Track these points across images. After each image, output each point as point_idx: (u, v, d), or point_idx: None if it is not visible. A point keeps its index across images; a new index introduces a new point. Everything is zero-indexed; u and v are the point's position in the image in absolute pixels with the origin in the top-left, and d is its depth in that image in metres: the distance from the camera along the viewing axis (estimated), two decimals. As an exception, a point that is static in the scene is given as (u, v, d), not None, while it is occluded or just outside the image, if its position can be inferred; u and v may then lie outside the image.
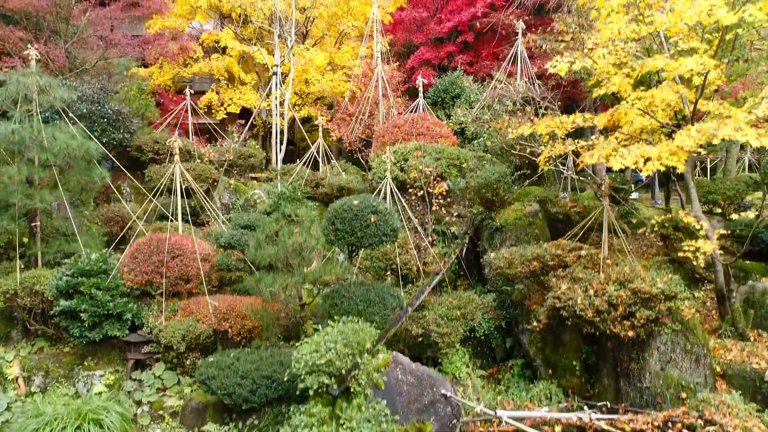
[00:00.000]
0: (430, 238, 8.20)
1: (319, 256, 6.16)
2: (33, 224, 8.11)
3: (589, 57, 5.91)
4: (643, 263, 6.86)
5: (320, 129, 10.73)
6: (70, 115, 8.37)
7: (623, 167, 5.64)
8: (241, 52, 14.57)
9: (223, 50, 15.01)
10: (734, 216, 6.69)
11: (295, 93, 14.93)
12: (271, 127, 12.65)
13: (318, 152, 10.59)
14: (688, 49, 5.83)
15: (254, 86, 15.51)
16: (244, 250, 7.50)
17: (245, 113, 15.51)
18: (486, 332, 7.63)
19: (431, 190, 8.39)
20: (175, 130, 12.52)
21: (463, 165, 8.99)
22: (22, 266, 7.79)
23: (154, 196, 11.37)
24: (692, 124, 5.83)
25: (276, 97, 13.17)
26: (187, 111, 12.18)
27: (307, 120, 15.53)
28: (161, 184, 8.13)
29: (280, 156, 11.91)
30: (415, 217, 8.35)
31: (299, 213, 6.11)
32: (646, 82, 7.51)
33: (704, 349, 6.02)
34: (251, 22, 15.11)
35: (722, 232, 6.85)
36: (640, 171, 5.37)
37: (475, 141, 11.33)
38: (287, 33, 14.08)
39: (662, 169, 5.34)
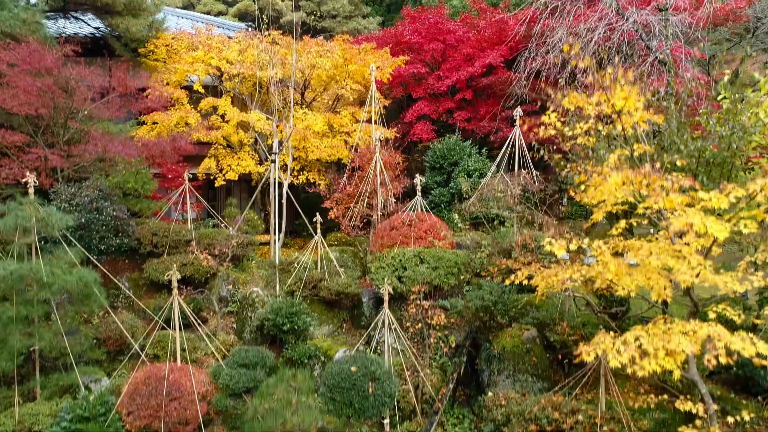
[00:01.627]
0: (427, 370, 8.24)
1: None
2: (31, 348, 8.12)
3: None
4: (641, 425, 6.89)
5: (318, 227, 10.71)
6: (70, 238, 8.37)
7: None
8: (240, 121, 14.53)
9: (222, 116, 14.98)
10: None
11: (294, 158, 14.91)
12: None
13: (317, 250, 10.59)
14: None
15: (252, 155, 15.46)
16: (243, 394, 7.54)
17: (242, 176, 15.52)
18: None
19: (430, 321, 8.44)
20: (173, 201, 12.53)
21: (462, 277, 9.05)
22: (20, 401, 7.80)
23: (154, 291, 11.38)
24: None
25: (275, 162, 13.13)
26: (187, 179, 12.18)
27: (307, 185, 15.52)
28: (161, 313, 8.14)
29: (280, 240, 11.90)
30: (414, 345, 8.40)
31: (298, 380, 6.09)
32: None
33: None
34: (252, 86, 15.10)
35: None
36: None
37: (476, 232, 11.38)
38: (287, 101, 14.06)
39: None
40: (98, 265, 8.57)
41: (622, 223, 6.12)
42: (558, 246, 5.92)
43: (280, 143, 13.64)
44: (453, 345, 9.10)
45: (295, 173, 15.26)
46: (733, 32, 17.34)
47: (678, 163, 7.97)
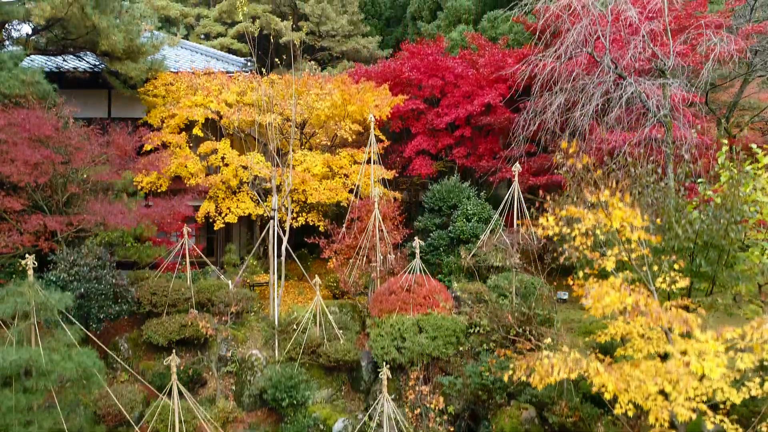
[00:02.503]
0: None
1: None
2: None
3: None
4: None
5: (317, 288, 10.72)
6: (68, 316, 8.38)
7: None
8: (240, 164, 14.52)
9: (222, 158, 14.97)
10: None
11: (293, 201, 14.92)
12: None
13: (316, 315, 10.58)
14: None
15: (251, 194, 15.47)
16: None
17: (242, 218, 15.55)
18: None
19: (429, 405, 8.46)
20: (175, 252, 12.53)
21: (461, 347, 9.07)
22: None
23: (154, 351, 11.38)
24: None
25: (275, 209, 13.13)
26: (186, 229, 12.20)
27: (305, 228, 15.53)
28: (164, 391, 8.16)
29: (279, 297, 11.89)
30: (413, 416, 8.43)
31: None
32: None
33: None
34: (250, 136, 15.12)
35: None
36: None
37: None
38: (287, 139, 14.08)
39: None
40: (96, 340, 8.60)
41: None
42: (557, 360, 5.94)
43: (279, 188, 13.70)
44: (452, 413, 9.13)
45: (294, 214, 15.28)
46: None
47: (675, 247, 7.98)
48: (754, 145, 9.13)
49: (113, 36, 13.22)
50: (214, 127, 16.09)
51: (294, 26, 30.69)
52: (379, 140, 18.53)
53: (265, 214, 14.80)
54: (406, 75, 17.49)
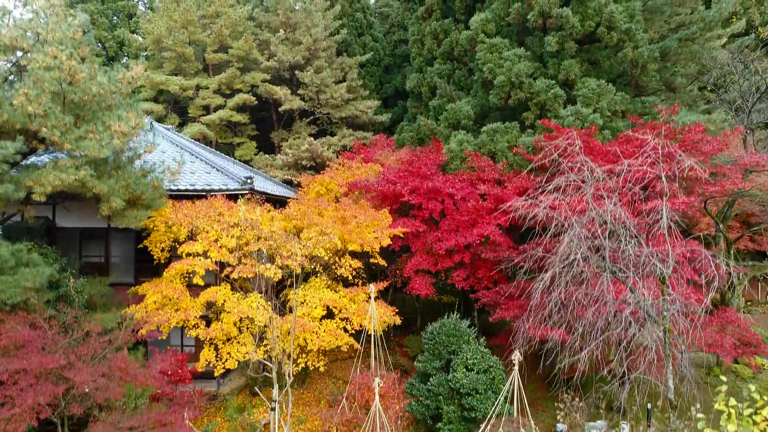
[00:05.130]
0: None
1: None
2: None
3: None
4: None
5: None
6: None
7: None
8: (241, 314, 14.55)
9: (222, 304, 15.02)
10: None
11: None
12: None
13: None
14: None
15: (252, 330, 15.52)
16: None
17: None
18: None
19: None
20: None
21: None
22: None
23: None
24: None
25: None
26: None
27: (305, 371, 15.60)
28: None
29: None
30: None
31: None
32: None
33: None
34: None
35: None
36: None
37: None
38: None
39: None
40: None
41: None
42: None
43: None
44: None
45: (295, 355, 15.34)
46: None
47: None
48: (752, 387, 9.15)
49: (114, 202, 13.24)
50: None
51: (293, 95, 30.72)
52: (378, 272, 18.64)
53: (263, 358, 14.87)
54: (406, 199, 17.54)
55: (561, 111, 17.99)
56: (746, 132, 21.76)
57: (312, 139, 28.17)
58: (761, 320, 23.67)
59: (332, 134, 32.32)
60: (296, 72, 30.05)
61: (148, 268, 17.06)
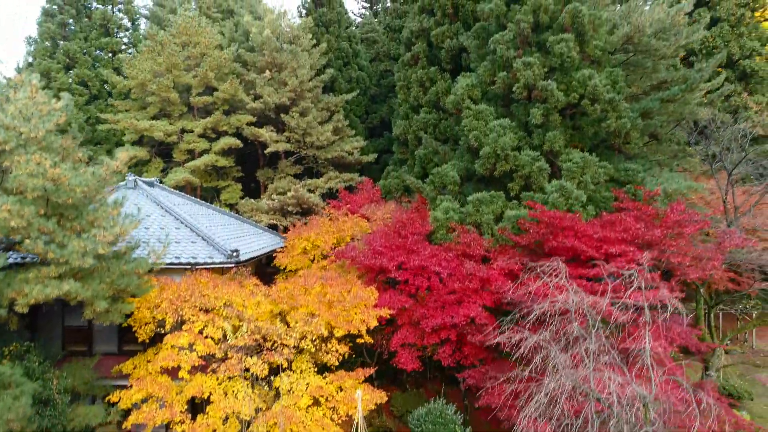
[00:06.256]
0: None
1: None
2: None
3: None
4: None
5: None
6: None
7: None
8: (226, 412, 14.50)
9: (208, 397, 14.98)
10: None
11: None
12: None
13: None
14: None
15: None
16: None
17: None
18: None
19: None
20: None
21: None
22: None
23: None
24: None
25: None
26: None
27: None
28: None
29: None
30: None
31: None
32: None
33: None
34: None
35: None
36: None
37: None
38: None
39: None
40: None
41: None
42: None
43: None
44: None
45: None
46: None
47: None
48: None
49: (98, 306, 13.14)
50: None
51: (279, 134, 30.65)
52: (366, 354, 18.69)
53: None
54: (393, 275, 17.61)
55: (546, 185, 18.15)
56: (727, 188, 22.10)
57: (299, 185, 28.13)
58: (740, 361, 24.12)
59: (318, 174, 32.31)
60: (282, 115, 29.96)
61: (132, 337, 16.92)
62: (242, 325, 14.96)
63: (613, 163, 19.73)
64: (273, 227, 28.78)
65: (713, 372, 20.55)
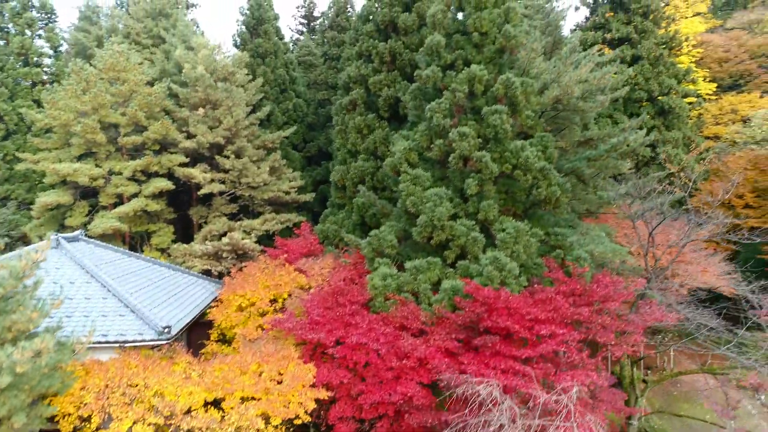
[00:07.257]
0: None
1: None
2: None
3: None
4: None
5: None
6: None
7: None
8: None
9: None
10: None
11: None
12: None
13: None
14: None
15: None
16: None
17: None
18: None
19: None
20: None
21: None
22: None
23: None
24: None
25: None
26: None
27: None
28: None
29: None
30: None
31: None
32: None
33: None
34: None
35: None
36: None
37: None
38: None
39: None
40: None
41: None
42: None
43: None
44: None
45: None
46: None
47: None
48: None
49: (17, 422, 12.37)
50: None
51: (214, 171, 29.87)
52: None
53: None
54: (330, 351, 17.55)
55: (480, 255, 18.58)
56: (648, 245, 23.36)
57: (234, 227, 27.51)
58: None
59: (255, 214, 31.72)
60: (216, 157, 29.18)
61: None
62: (173, 423, 14.49)
63: (544, 226, 20.45)
64: (207, 272, 28.01)
65: (635, 422, 21.79)
